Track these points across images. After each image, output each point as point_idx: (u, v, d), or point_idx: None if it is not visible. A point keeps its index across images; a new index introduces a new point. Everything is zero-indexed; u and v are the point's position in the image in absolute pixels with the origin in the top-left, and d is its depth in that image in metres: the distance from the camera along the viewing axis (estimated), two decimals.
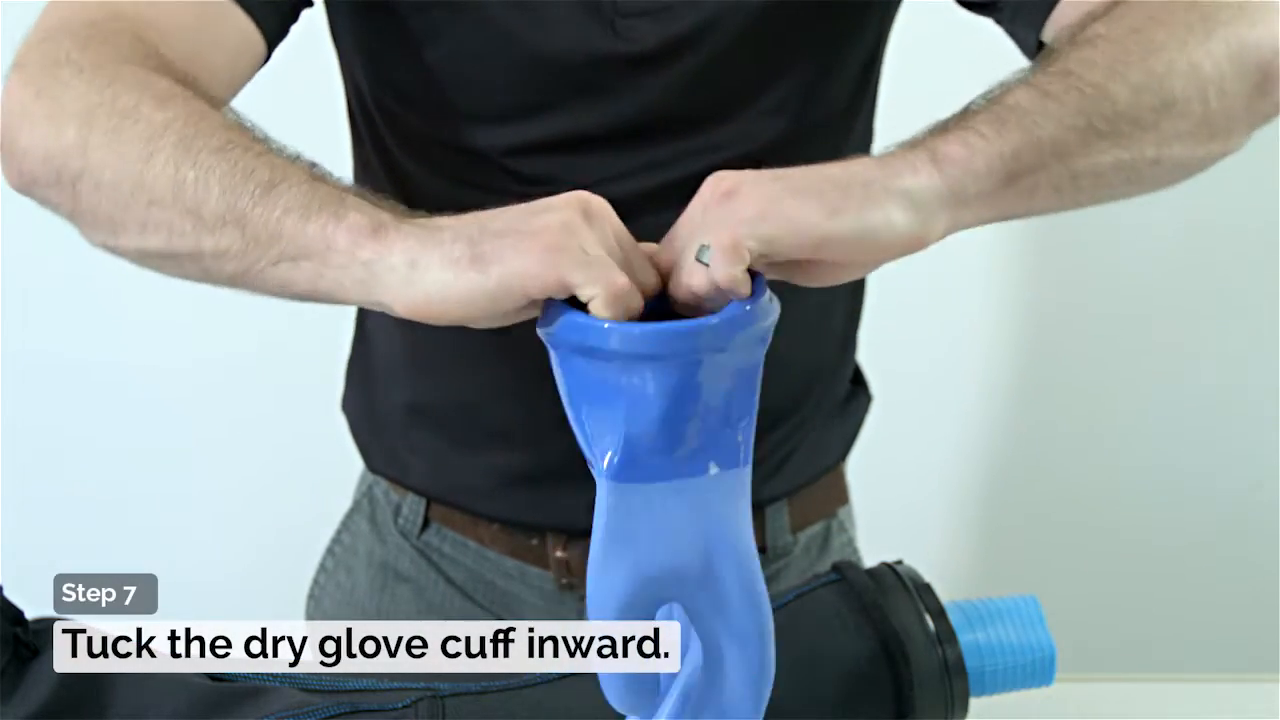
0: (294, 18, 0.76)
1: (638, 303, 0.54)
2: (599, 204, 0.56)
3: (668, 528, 0.53)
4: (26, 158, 0.63)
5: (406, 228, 0.55)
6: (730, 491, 0.54)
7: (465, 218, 0.56)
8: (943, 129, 0.60)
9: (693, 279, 0.55)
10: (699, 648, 0.55)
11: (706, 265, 0.54)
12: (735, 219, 0.55)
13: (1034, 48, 0.75)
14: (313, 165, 0.60)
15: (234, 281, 0.60)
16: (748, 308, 0.53)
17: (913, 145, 0.60)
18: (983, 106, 0.61)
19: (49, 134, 0.62)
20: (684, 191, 0.79)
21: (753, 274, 0.54)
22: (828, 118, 0.83)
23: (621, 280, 0.53)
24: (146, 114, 0.60)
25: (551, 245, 0.53)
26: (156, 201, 0.59)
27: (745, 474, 0.55)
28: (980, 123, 0.59)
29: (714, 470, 0.53)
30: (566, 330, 0.53)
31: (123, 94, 0.61)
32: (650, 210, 0.80)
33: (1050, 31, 0.74)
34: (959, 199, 0.58)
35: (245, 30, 0.72)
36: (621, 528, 0.53)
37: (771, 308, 0.55)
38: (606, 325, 0.52)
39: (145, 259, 0.62)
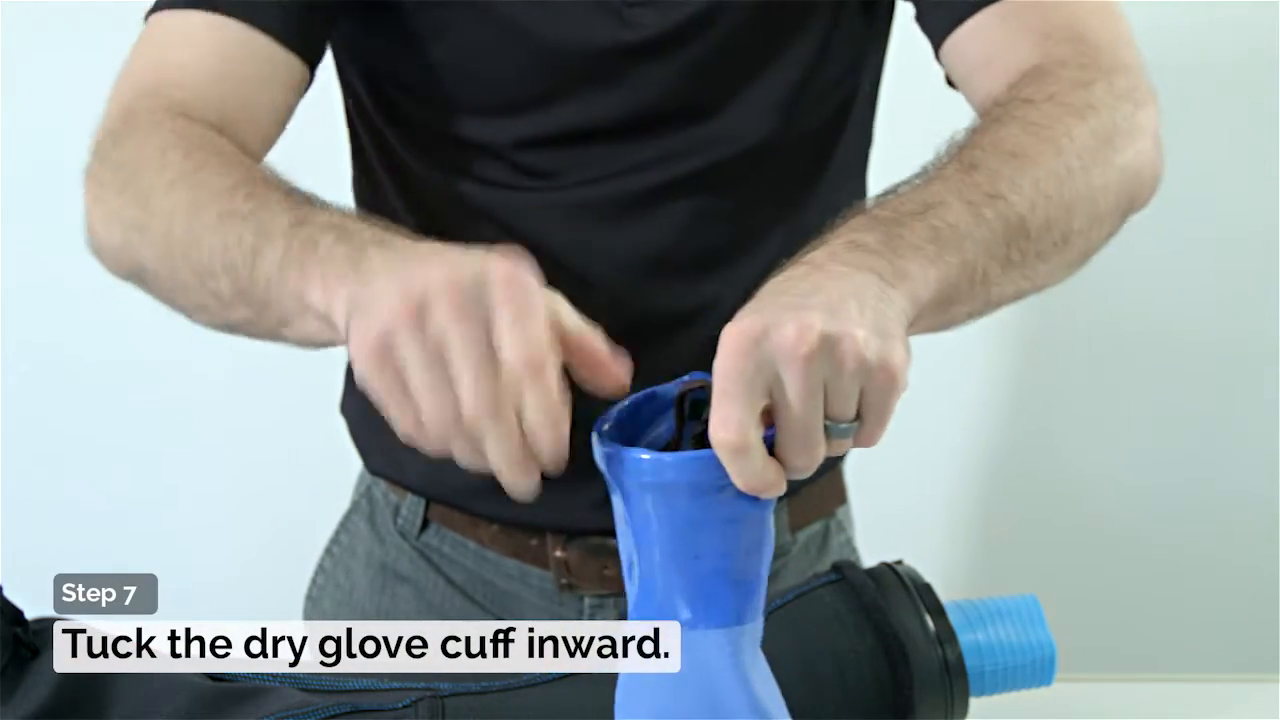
0: (328, 27, 0.76)
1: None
2: (480, 288, 0.49)
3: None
4: (102, 256, 0.68)
5: (349, 274, 0.53)
6: (722, 649, 0.53)
7: (396, 250, 0.53)
8: (888, 243, 0.57)
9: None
10: None
11: (842, 439, 0.52)
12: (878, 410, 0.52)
13: (940, 41, 0.77)
14: (296, 207, 0.59)
15: (276, 341, 0.62)
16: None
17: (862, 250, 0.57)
18: (919, 214, 0.59)
19: (106, 237, 0.67)
20: (688, 187, 0.80)
21: None
22: (823, 109, 0.84)
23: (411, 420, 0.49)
24: (158, 204, 0.63)
25: (372, 350, 0.49)
26: (188, 288, 0.62)
27: (744, 631, 0.53)
28: (924, 241, 0.58)
29: (698, 627, 0.53)
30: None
31: (142, 185, 0.65)
32: (657, 205, 0.81)
33: (974, 74, 0.75)
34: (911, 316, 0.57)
35: (277, 60, 0.73)
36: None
37: None
38: (650, 457, 0.51)
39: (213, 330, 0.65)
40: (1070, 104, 0.67)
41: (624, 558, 0.54)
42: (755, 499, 0.51)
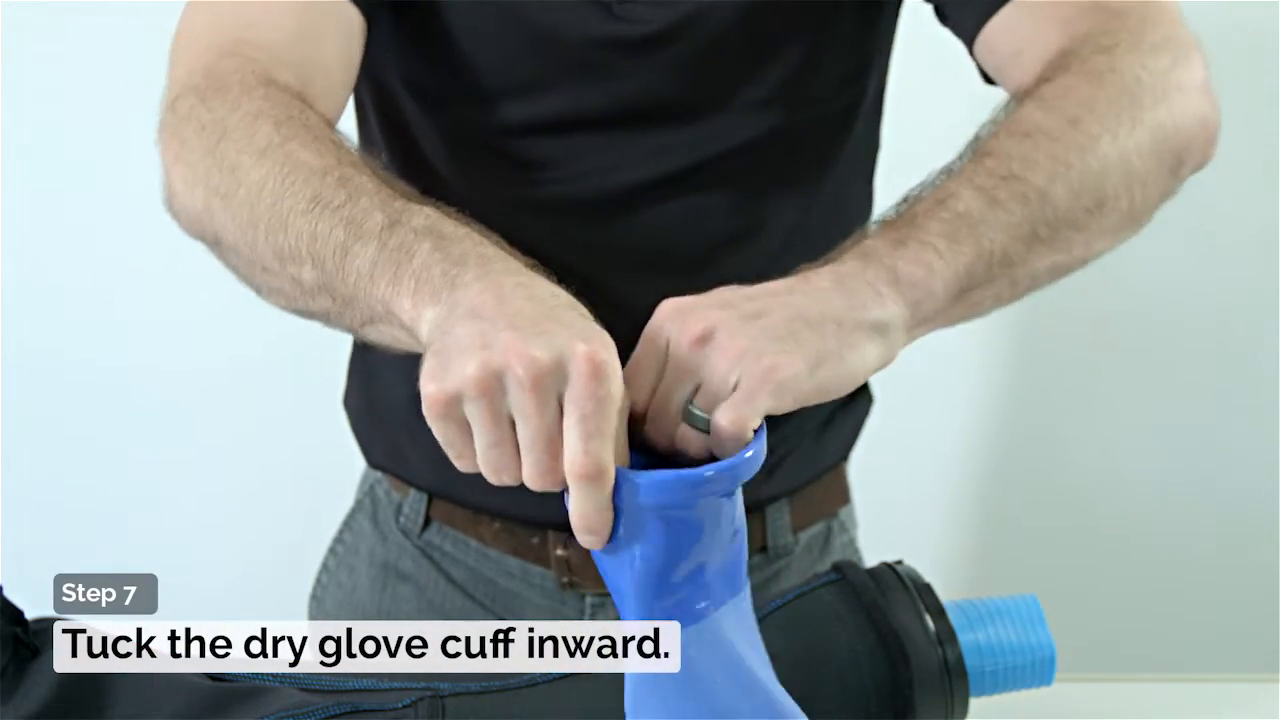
0: None
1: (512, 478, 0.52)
2: (548, 369, 0.50)
3: None
4: (181, 218, 0.66)
5: (442, 293, 0.54)
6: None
7: (491, 277, 0.54)
8: (898, 241, 0.60)
9: (688, 445, 0.55)
10: None
11: (701, 430, 0.54)
12: (740, 396, 0.53)
13: (971, 39, 0.77)
14: (389, 203, 0.58)
15: (352, 334, 0.62)
16: (749, 454, 0.52)
17: (866, 258, 0.59)
18: (931, 210, 0.61)
19: (188, 199, 0.65)
20: (682, 184, 0.80)
21: None
22: (824, 111, 0.84)
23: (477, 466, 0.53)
24: (245, 174, 0.61)
25: (441, 405, 0.51)
26: (268, 269, 0.61)
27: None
28: (934, 236, 0.60)
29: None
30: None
31: (230, 151, 0.63)
32: (650, 202, 0.81)
33: (1005, 67, 0.75)
34: (918, 320, 0.59)
35: (343, 12, 0.73)
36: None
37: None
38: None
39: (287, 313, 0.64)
40: (1087, 73, 0.66)
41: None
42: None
